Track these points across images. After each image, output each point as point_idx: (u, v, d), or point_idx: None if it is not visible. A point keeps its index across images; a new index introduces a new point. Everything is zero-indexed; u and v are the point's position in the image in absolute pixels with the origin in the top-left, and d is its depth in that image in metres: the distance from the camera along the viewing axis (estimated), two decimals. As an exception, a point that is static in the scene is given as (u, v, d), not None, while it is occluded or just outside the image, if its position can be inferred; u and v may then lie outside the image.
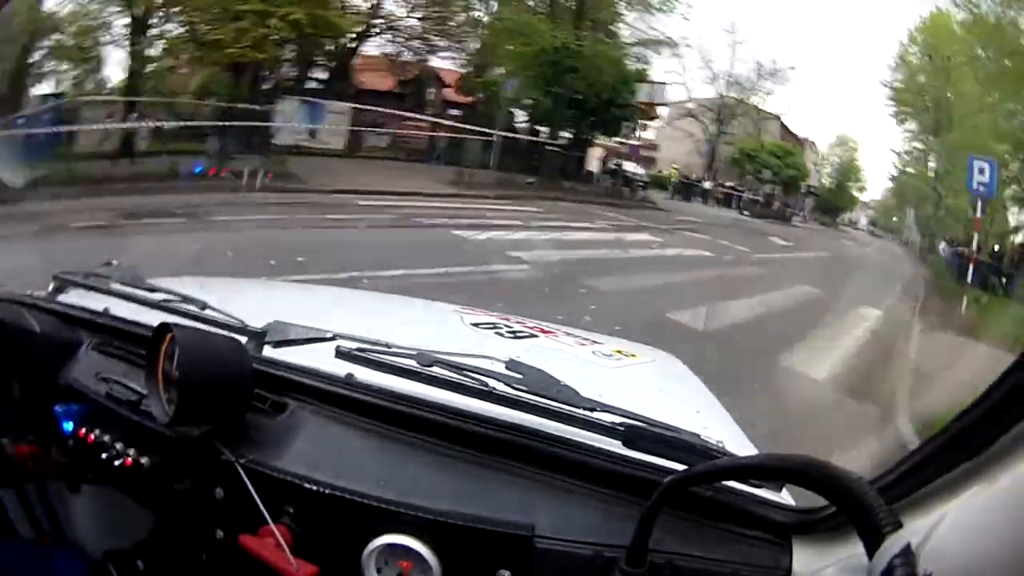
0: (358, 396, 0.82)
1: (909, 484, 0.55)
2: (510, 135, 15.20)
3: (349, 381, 0.84)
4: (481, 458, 0.77)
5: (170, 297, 0.99)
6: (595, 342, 1.44)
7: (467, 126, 14.33)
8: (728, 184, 25.07)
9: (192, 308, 0.96)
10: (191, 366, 0.72)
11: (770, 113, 25.70)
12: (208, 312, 0.95)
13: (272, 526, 0.69)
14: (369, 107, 12.92)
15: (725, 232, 14.09)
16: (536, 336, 1.36)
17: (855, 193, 31.80)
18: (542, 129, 17.88)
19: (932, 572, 0.43)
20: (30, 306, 1.01)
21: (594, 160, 20.01)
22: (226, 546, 0.74)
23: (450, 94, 15.51)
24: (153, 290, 1.02)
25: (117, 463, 0.82)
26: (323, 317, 1.02)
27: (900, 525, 0.46)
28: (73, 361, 0.96)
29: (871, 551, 0.46)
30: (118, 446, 0.83)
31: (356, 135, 12.80)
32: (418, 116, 14.25)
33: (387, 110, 13.36)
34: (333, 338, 0.90)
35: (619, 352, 1.38)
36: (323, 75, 13.51)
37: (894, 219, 34.45)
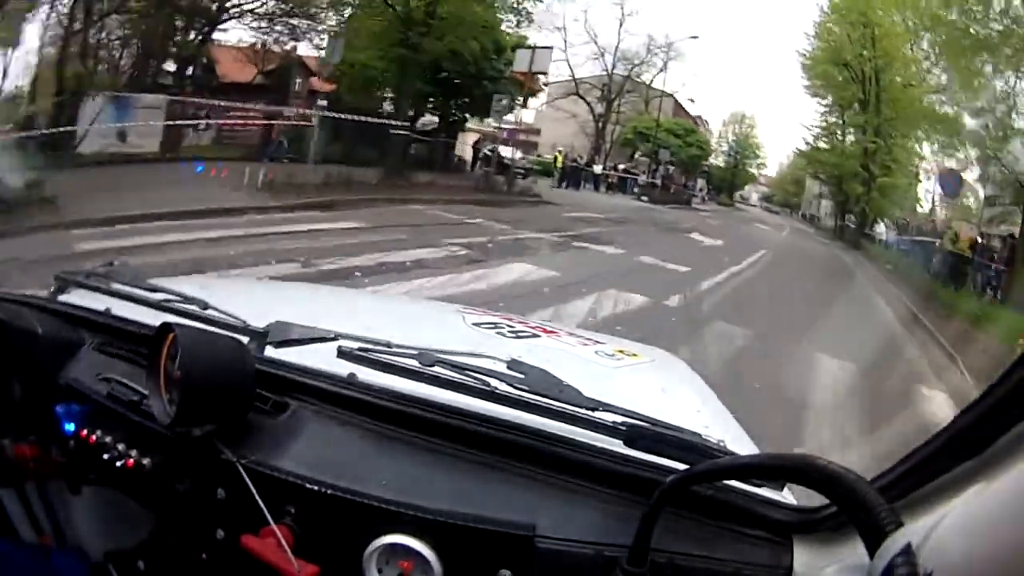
0: (360, 396, 0.82)
1: (910, 483, 0.56)
2: (353, 118, 11.64)
3: (351, 381, 0.84)
4: (483, 458, 0.77)
5: (172, 297, 0.99)
6: (597, 342, 1.45)
7: (290, 112, 11.58)
8: (622, 167, 22.90)
9: (194, 308, 0.96)
10: (193, 366, 0.72)
11: (662, 90, 23.86)
12: (210, 312, 0.95)
13: (273, 526, 0.69)
14: (198, 100, 10.78)
15: (636, 235, 11.34)
16: (538, 336, 1.37)
17: (753, 171, 32.13)
18: (438, 119, 15.19)
19: (932, 571, 0.43)
20: (31, 306, 1.01)
21: (466, 147, 17.65)
22: (227, 546, 0.74)
23: (317, 83, 13.14)
24: (154, 290, 1.02)
25: (119, 464, 0.82)
26: (325, 317, 1.02)
27: (901, 524, 0.46)
28: (74, 361, 0.96)
29: (872, 550, 0.46)
30: (119, 447, 0.83)
31: (172, 133, 10.40)
32: (249, 107, 11.68)
33: (219, 102, 11.09)
34: (335, 338, 0.90)
35: (621, 352, 1.38)
36: (188, 69, 11.69)
37: (793, 196, 33.44)
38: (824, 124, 23.49)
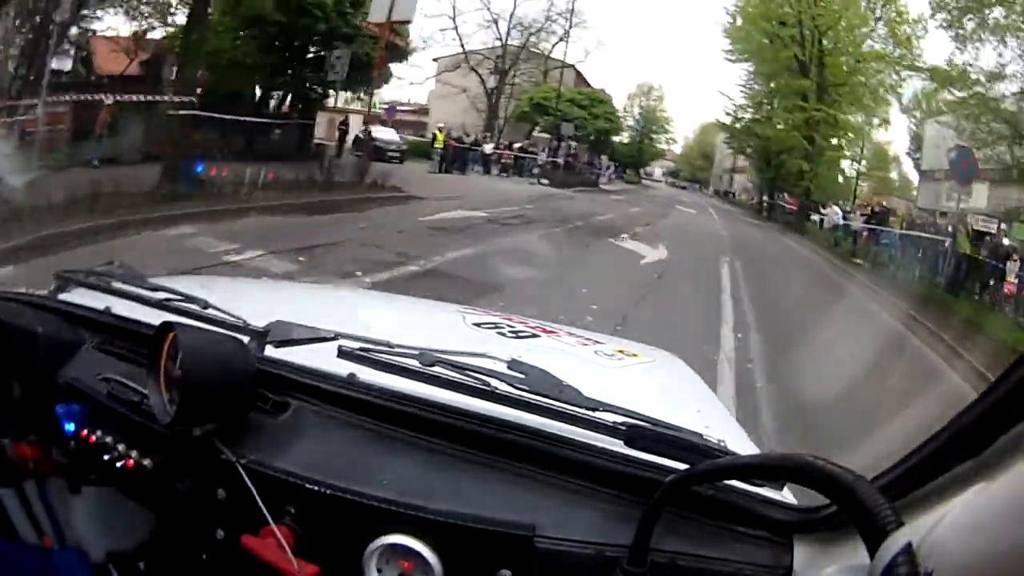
0: (360, 396, 0.82)
1: (910, 483, 0.56)
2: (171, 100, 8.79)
3: (351, 381, 0.84)
4: (483, 458, 0.77)
5: (172, 296, 0.99)
6: (597, 342, 1.45)
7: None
8: (517, 146, 19.33)
9: (194, 307, 0.96)
10: (193, 366, 0.72)
11: (563, 61, 20.74)
12: (210, 311, 0.95)
13: (273, 526, 0.69)
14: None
15: (536, 256, 7.41)
16: (538, 336, 1.37)
17: (662, 146, 29.94)
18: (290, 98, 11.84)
19: (933, 571, 0.43)
20: (31, 305, 1.01)
21: (321, 128, 14.53)
22: (227, 547, 0.74)
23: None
24: (155, 289, 1.02)
25: (119, 464, 0.82)
26: (325, 317, 1.02)
27: (901, 524, 0.46)
28: (74, 361, 0.96)
29: (872, 550, 0.46)
30: (120, 447, 0.83)
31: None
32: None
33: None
34: (335, 338, 0.90)
35: (621, 352, 1.38)
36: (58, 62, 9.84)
37: (701, 170, 32.17)
38: (750, 92, 21.51)
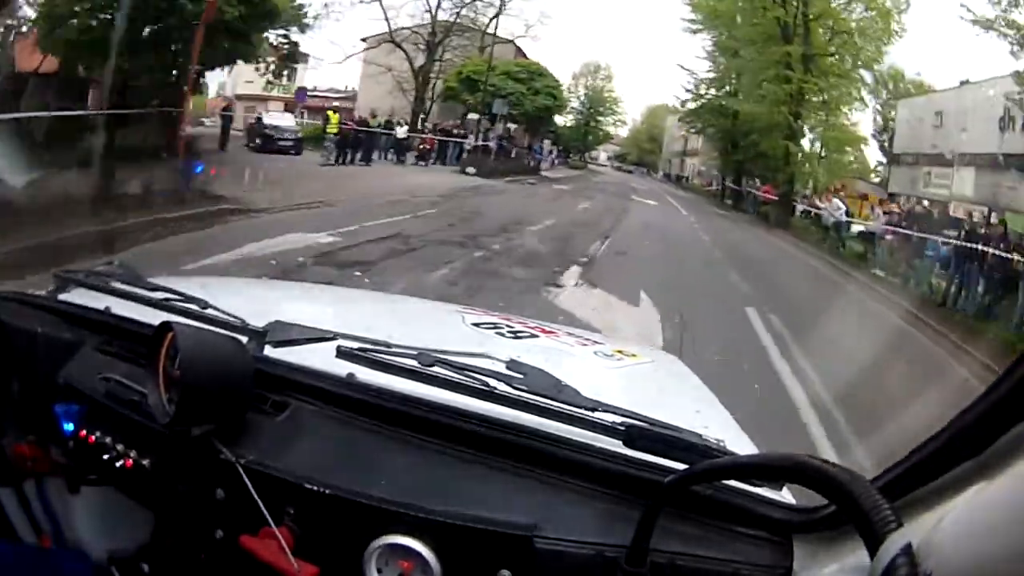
0: (359, 396, 0.82)
1: (910, 483, 0.55)
2: None
3: (350, 381, 0.84)
4: (482, 458, 0.77)
5: (171, 296, 0.99)
6: (596, 342, 1.45)
7: None
8: (441, 128, 16.21)
9: (193, 307, 0.96)
10: (192, 365, 0.72)
11: (495, 35, 17.89)
12: (209, 311, 0.95)
13: (273, 527, 0.69)
14: None
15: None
16: (537, 336, 1.37)
17: (610, 128, 26.64)
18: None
19: (932, 572, 0.43)
20: (30, 305, 1.01)
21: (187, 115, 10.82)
22: (227, 547, 0.74)
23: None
24: (154, 289, 1.02)
25: (118, 464, 0.82)
26: (324, 317, 1.02)
27: (901, 524, 0.46)
28: (73, 360, 0.96)
29: (872, 550, 0.46)
30: (119, 447, 0.83)
31: None
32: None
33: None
34: (334, 338, 0.90)
35: (620, 352, 1.38)
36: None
37: (649, 153, 29.31)
38: (715, 66, 18.75)
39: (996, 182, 12.69)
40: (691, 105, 20.64)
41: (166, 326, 0.77)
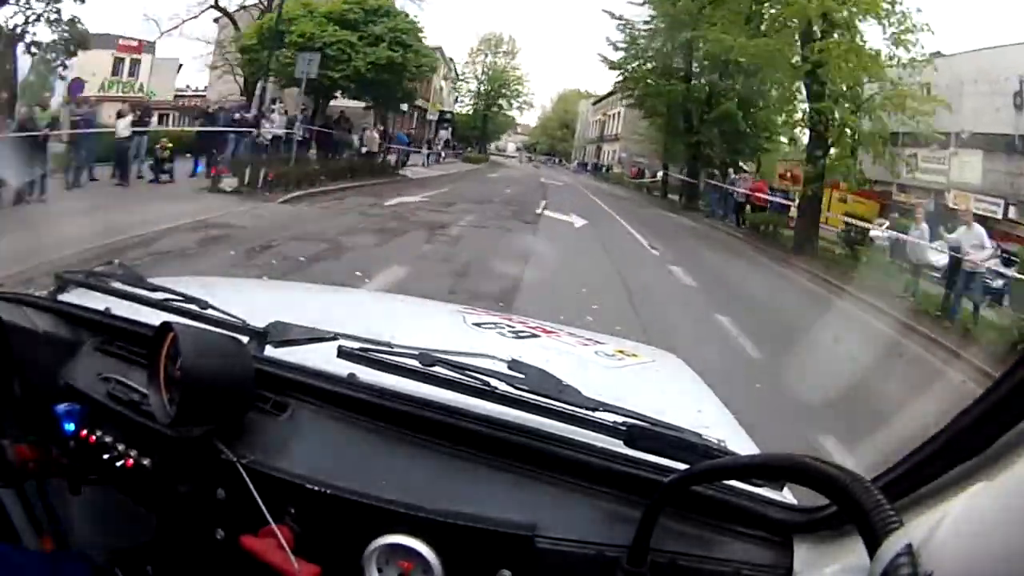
0: (360, 396, 0.82)
1: (910, 483, 0.55)
2: None
3: (351, 381, 0.84)
4: (483, 458, 0.77)
5: (172, 297, 0.99)
6: (597, 342, 1.44)
7: None
8: (211, 111, 9.42)
9: (194, 308, 0.96)
10: (193, 366, 0.72)
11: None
12: (210, 312, 0.95)
13: (273, 526, 0.69)
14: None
15: None
16: (538, 336, 1.37)
17: (514, 112, 22.05)
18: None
19: (933, 572, 0.43)
20: (31, 305, 1.01)
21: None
22: (227, 547, 0.74)
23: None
24: (154, 289, 1.02)
25: (119, 464, 0.82)
26: (325, 317, 1.02)
27: (901, 524, 0.46)
28: (74, 361, 0.96)
29: (872, 550, 0.46)
30: (120, 447, 0.83)
31: None
32: None
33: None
34: (335, 338, 0.90)
35: (621, 352, 1.38)
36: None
37: (561, 142, 25.79)
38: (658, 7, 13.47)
39: (1014, 169, 10.31)
40: (631, 65, 15.14)
41: (166, 326, 0.77)
